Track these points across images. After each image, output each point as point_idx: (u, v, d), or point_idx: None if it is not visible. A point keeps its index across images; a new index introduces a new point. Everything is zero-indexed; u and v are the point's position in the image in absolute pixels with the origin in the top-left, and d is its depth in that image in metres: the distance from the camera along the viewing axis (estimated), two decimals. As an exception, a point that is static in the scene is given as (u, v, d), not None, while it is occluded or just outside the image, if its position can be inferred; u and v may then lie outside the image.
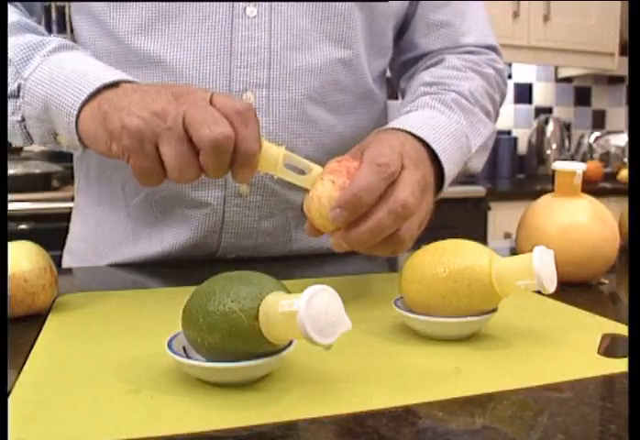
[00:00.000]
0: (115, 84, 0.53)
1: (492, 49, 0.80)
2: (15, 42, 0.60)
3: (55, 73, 0.57)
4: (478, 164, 0.71)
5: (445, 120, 0.64)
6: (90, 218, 0.79)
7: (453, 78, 0.72)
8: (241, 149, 0.47)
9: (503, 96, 0.80)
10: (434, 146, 0.59)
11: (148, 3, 0.66)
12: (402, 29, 0.79)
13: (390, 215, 0.48)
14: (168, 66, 0.66)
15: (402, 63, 0.82)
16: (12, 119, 0.60)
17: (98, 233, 0.77)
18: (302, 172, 0.52)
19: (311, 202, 0.50)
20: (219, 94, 0.49)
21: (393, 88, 0.87)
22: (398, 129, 0.59)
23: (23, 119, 0.60)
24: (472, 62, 0.76)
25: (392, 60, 0.83)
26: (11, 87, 0.59)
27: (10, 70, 0.59)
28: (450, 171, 0.61)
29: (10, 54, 0.59)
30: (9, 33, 0.61)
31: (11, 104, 0.59)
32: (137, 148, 0.48)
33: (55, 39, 0.61)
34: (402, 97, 0.79)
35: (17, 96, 0.59)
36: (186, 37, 0.66)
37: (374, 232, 0.48)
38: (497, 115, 0.78)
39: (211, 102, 0.48)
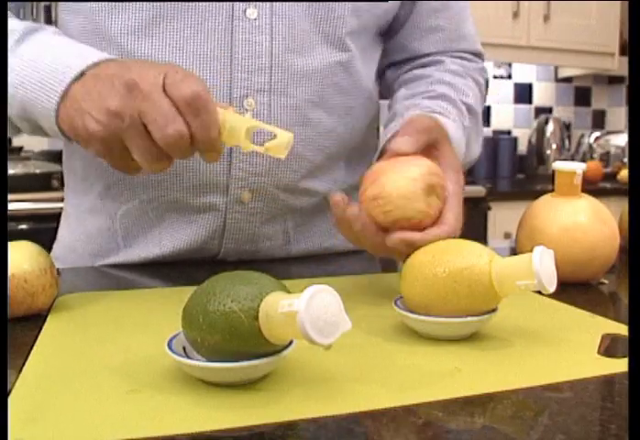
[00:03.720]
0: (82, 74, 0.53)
1: (480, 56, 0.82)
2: None
3: (28, 69, 0.55)
4: (474, 152, 0.75)
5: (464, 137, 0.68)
6: (75, 225, 0.77)
7: (465, 86, 0.74)
8: (198, 139, 0.48)
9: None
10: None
11: (145, 3, 0.63)
12: (393, 31, 0.78)
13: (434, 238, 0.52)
14: None
15: (388, 65, 0.81)
16: None
17: (84, 241, 0.76)
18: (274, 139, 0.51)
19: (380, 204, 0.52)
20: (171, 76, 0.49)
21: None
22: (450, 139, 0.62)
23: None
24: (469, 69, 0.77)
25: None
26: None
27: None
28: None
29: None
30: None
31: None
32: (107, 152, 0.51)
33: (19, 27, 0.59)
34: (387, 95, 0.80)
35: None
36: (185, 39, 0.64)
37: (410, 246, 0.51)
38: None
39: (164, 88, 0.48)
